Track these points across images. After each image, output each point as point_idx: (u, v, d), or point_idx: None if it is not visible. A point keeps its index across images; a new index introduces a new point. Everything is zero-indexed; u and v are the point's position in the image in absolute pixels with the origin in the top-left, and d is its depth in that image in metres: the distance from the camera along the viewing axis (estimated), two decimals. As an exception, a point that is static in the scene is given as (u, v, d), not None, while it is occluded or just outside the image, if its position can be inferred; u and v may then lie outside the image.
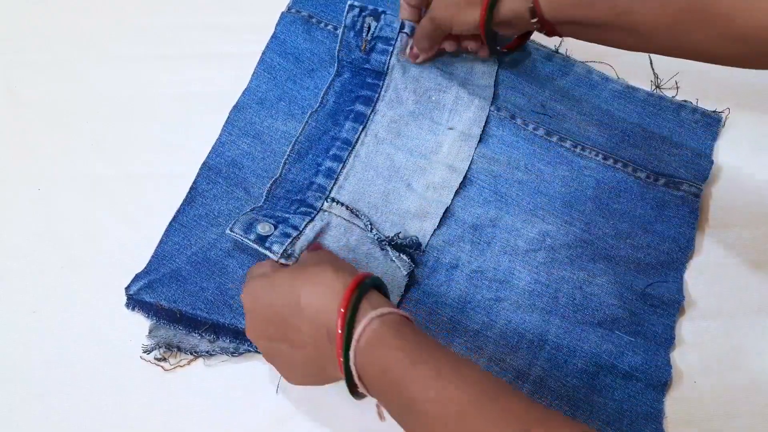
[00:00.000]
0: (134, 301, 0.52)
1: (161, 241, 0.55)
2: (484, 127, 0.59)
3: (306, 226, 0.52)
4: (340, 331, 0.40)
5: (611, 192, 0.58)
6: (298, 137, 0.58)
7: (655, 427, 0.50)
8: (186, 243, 0.55)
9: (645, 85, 0.63)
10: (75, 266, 0.56)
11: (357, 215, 0.54)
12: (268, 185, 0.56)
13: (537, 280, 0.54)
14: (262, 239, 0.50)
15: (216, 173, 0.58)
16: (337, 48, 0.61)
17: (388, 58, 0.60)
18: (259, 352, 0.51)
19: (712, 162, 0.59)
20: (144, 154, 0.60)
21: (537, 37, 0.63)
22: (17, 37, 0.66)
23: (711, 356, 0.53)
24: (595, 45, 0.55)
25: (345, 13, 0.60)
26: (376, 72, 0.60)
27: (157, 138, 0.61)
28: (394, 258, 0.53)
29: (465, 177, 0.57)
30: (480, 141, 0.59)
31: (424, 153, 0.58)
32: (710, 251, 0.56)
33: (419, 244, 0.54)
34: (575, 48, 0.64)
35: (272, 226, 0.51)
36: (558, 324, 0.53)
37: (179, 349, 0.52)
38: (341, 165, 0.56)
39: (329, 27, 0.64)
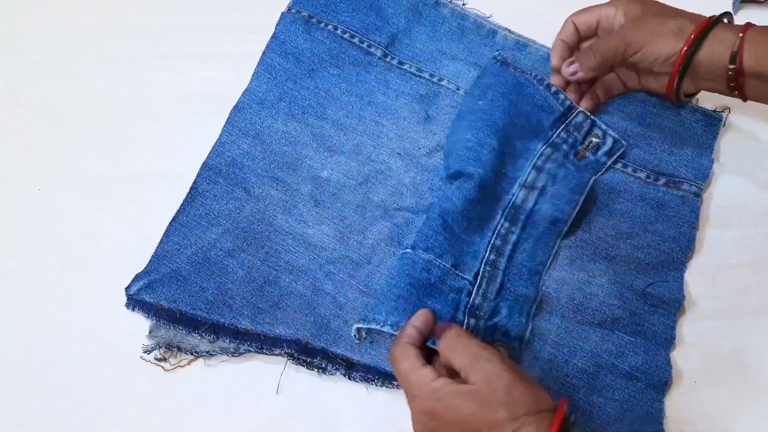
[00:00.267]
0: (134, 301, 0.52)
1: (161, 241, 0.55)
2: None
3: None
4: None
5: (611, 192, 0.58)
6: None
7: (655, 427, 0.49)
8: (186, 243, 0.55)
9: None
10: (75, 266, 0.56)
11: None
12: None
13: (537, 280, 0.54)
14: None
15: (216, 173, 0.57)
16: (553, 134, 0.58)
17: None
18: (259, 352, 0.52)
19: (712, 161, 0.59)
20: (144, 154, 0.60)
21: (539, 36, 0.63)
22: (17, 37, 0.66)
23: (711, 356, 0.52)
24: None
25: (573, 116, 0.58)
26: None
27: (157, 138, 0.61)
28: None
29: None
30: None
31: None
32: (711, 251, 0.56)
33: None
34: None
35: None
36: (558, 324, 0.53)
37: (179, 349, 0.52)
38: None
39: (329, 27, 0.64)
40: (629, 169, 0.59)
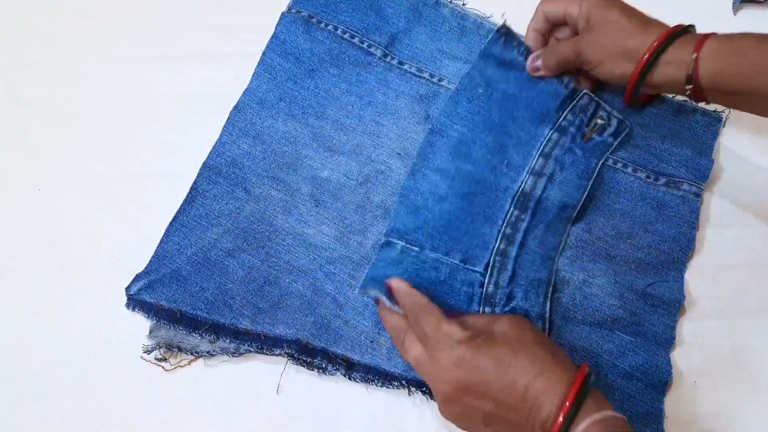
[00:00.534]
0: (134, 301, 0.52)
1: (161, 241, 0.55)
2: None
3: None
4: (561, 420, 0.39)
5: (611, 192, 0.58)
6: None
7: (655, 427, 0.49)
8: (186, 243, 0.55)
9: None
10: (75, 266, 0.56)
11: None
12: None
13: (537, 280, 0.54)
14: None
15: (216, 173, 0.58)
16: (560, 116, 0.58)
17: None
18: (259, 352, 0.52)
19: (712, 162, 0.59)
20: (144, 154, 0.60)
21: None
22: (17, 37, 0.66)
23: (711, 356, 0.53)
24: None
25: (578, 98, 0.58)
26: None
27: (157, 138, 0.61)
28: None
29: None
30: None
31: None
32: (711, 251, 0.56)
33: None
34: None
35: None
36: (558, 324, 0.53)
37: (179, 349, 0.52)
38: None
39: (329, 27, 0.64)
40: (629, 169, 0.59)
